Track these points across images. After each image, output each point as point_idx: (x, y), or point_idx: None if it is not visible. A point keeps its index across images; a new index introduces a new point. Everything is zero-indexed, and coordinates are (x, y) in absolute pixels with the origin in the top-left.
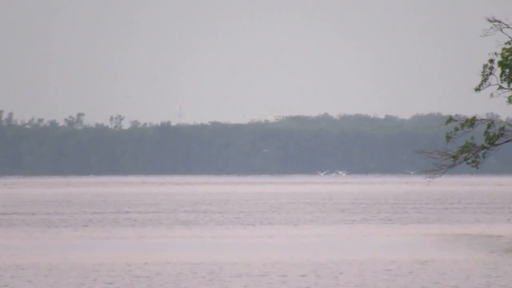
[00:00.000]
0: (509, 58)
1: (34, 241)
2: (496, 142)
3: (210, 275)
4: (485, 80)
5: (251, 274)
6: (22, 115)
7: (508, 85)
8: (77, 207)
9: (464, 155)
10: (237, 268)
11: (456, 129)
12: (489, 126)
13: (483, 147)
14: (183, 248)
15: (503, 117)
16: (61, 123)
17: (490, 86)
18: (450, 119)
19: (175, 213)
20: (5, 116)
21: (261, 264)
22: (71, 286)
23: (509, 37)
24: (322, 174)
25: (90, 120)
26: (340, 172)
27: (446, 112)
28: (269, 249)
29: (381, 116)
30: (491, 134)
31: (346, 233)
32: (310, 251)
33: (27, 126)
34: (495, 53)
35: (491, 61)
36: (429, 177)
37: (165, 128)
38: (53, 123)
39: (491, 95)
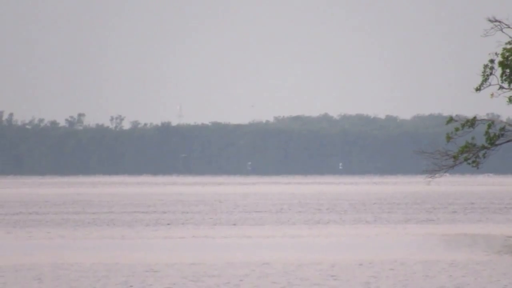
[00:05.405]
0: (509, 58)
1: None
2: (497, 142)
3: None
4: (485, 80)
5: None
6: (23, 115)
7: (509, 85)
8: (77, 207)
9: (465, 155)
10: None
11: (457, 129)
12: (489, 126)
13: (484, 147)
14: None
15: (504, 117)
16: (62, 123)
17: (491, 86)
18: (450, 120)
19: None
20: (5, 116)
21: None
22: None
23: (510, 37)
24: None
25: (91, 120)
26: None
27: (446, 112)
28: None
29: (382, 116)
30: (491, 134)
31: (356, 233)
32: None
33: (28, 126)
34: (496, 53)
35: (492, 61)
36: (429, 177)
37: (165, 128)
38: (53, 123)
39: (492, 95)
